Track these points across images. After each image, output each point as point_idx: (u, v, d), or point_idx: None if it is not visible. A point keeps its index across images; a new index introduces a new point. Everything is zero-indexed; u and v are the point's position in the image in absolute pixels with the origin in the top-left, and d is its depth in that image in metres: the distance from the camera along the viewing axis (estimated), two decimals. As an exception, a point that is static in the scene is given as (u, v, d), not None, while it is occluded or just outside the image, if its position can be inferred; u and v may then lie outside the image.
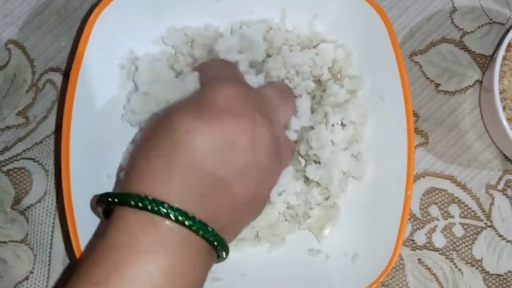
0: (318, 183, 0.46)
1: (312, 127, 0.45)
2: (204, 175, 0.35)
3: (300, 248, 0.46)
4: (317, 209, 0.46)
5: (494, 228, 0.48)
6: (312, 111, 0.47)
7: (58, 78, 0.52)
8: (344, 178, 0.46)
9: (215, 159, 0.35)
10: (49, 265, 0.48)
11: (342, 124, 0.46)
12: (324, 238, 0.46)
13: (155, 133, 0.37)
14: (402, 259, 0.48)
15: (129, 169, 0.37)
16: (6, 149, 0.50)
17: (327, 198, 0.46)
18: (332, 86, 0.46)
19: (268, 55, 0.48)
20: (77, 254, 0.42)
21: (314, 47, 0.48)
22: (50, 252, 0.48)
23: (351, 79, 0.47)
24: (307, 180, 0.46)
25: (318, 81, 0.48)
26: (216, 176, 0.35)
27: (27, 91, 0.51)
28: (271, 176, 0.40)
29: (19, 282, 0.48)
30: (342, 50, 0.47)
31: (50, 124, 0.51)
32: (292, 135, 0.44)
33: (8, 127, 0.51)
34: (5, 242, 0.49)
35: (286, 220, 0.47)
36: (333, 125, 0.45)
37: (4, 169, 0.50)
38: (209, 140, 0.35)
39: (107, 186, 0.46)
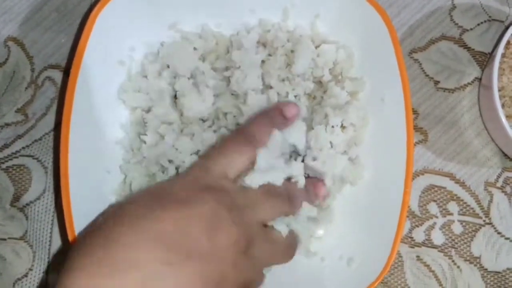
0: None
1: (312, 128, 0.45)
2: None
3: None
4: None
5: (493, 225, 0.49)
6: (312, 111, 0.47)
7: (57, 75, 0.52)
8: (339, 181, 0.46)
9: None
10: (48, 262, 0.48)
11: (342, 126, 0.46)
12: (318, 239, 0.46)
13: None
14: (401, 256, 0.48)
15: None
16: (5, 146, 0.50)
17: None
18: (333, 88, 0.46)
19: (269, 55, 0.47)
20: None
21: (316, 47, 0.48)
22: (49, 249, 0.48)
23: (352, 80, 0.47)
24: None
25: (319, 82, 0.48)
26: None
27: (26, 88, 0.51)
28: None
29: (18, 279, 0.48)
30: (344, 51, 0.47)
31: (49, 121, 0.51)
32: (283, 230, 0.41)
33: (7, 124, 0.51)
34: (4, 239, 0.49)
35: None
36: (332, 126, 0.45)
37: (3, 166, 0.50)
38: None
39: (106, 182, 0.46)
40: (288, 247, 0.41)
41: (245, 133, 0.41)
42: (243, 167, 0.39)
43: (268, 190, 0.40)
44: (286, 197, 0.40)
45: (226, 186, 0.37)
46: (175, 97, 0.47)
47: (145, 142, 0.46)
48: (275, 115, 0.42)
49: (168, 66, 0.47)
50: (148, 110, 0.47)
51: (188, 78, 0.47)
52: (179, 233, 0.33)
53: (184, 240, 0.33)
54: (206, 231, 0.34)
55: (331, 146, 0.45)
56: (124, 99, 0.47)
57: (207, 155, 0.41)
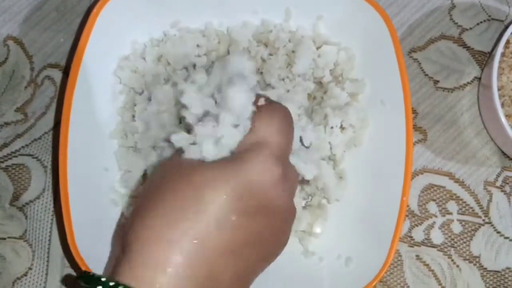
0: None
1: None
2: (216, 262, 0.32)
3: (294, 249, 0.46)
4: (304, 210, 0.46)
5: (492, 225, 0.49)
6: (312, 111, 0.47)
7: (56, 74, 0.52)
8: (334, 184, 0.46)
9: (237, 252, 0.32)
10: (47, 261, 0.48)
11: (341, 127, 0.46)
12: (316, 237, 0.46)
13: (170, 195, 0.33)
14: (400, 256, 0.48)
15: (128, 239, 0.32)
16: (5, 145, 0.50)
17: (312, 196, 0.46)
18: (333, 89, 0.46)
19: (270, 54, 0.47)
20: (73, 251, 0.42)
21: (317, 48, 0.48)
22: (48, 248, 0.48)
23: (353, 82, 0.47)
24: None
25: (319, 83, 0.48)
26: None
27: (25, 87, 0.51)
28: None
29: (18, 278, 0.48)
30: (345, 53, 0.47)
31: (48, 120, 0.51)
32: None
33: (7, 123, 0.51)
34: (4, 239, 0.49)
35: None
36: (332, 127, 0.45)
37: (3, 165, 0.50)
38: (241, 233, 0.32)
39: (104, 180, 0.46)
40: None
41: None
42: None
43: None
44: None
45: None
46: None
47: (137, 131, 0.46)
48: None
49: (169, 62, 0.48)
50: (141, 93, 0.47)
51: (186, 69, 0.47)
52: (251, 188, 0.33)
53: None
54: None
55: (330, 147, 0.45)
56: (120, 77, 0.47)
57: None
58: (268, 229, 0.34)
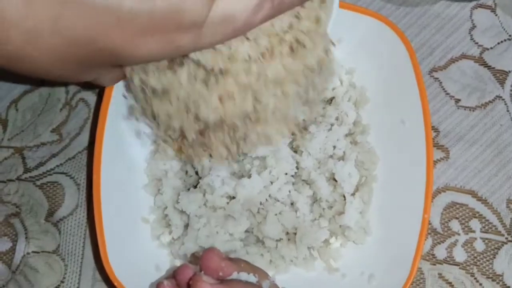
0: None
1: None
2: None
3: (317, 265, 0.47)
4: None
5: (515, 243, 0.49)
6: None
7: (90, 96, 0.54)
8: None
9: None
10: (79, 274, 0.50)
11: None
12: (340, 256, 0.47)
13: None
14: (423, 274, 0.48)
15: None
16: (41, 164, 0.53)
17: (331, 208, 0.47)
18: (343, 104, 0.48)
19: None
20: (105, 265, 0.44)
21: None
22: (81, 262, 0.50)
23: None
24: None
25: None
26: None
27: (61, 109, 0.54)
28: None
29: (51, 291, 0.50)
30: (357, 92, 0.49)
31: (82, 140, 0.53)
32: None
33: (43, 144, 0.53)
34: (38, 252, 0.51)
35: None
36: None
37: (39, 183, 0.52)
38: None
39: (136, 197, 0.48)
40: None
41: None
42: None
43: None
44: None
45: None
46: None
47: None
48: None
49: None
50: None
51: None
52: None
53: None
54: None
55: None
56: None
57: None
58: None
